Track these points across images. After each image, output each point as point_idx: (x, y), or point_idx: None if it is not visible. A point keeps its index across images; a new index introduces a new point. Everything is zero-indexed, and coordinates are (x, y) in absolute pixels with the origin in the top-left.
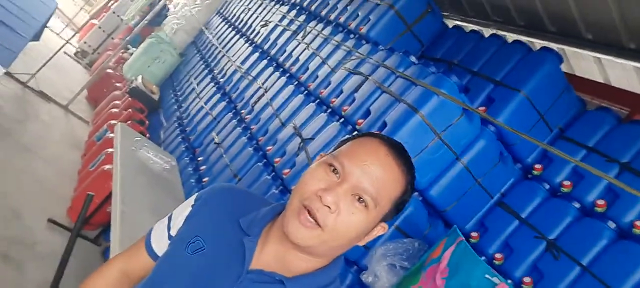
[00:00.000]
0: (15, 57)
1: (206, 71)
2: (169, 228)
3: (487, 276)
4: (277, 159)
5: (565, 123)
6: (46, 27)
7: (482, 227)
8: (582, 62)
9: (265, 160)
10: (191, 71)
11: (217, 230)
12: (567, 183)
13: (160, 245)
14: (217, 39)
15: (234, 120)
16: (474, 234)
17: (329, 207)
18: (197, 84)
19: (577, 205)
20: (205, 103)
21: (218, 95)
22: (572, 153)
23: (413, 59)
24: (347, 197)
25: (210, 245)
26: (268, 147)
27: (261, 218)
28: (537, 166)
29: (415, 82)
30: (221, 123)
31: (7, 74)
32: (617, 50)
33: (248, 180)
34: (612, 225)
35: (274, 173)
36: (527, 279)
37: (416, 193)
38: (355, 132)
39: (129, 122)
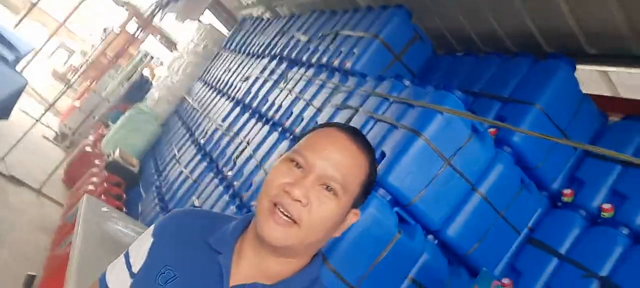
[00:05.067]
0: None
1: (187, 135)
2: (129, 266)
3: None
4: None
5: (590, 138)
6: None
7: (513, 271)
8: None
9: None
10: (172, 138)
11: (185, 255)
12: (607, 206)
13: (120, 285)
14: (198, 103)
15: (215, 180)
16: (505, 281)
17: (299, 201)
18: (178, 150)
19: (625, 231)
20: (185, 167)
21: (198, 157)
22: (605, 171)
23: (406, 82)
24: (314, 187)
25: (182, 272)
26: (253, 203)
27: (231, 232)
28: (566, 191)
29: (413, 104)
30: (201, 185)
31: None
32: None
33: None
34: None
35: None
36: None
37: (431, 237)
38: None
39: (103, 196)
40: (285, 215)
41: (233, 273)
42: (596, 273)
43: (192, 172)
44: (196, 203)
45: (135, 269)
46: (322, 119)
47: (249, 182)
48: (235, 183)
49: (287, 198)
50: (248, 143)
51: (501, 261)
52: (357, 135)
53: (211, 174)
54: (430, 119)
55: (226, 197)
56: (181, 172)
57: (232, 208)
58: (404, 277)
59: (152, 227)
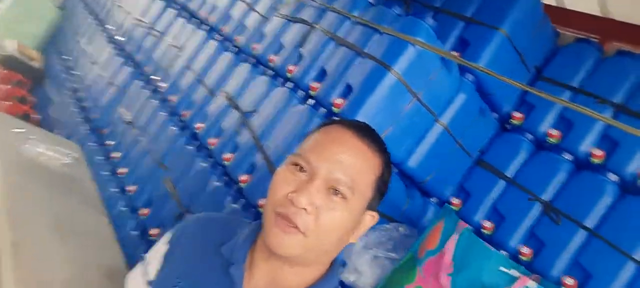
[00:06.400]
0: None
1: (99, 29)
2: (146, 273)
3: (502, 268)
4: (212, 140)
5: (541, 61)
6: None
7: (462, 191)
8: None
9: (197, 142)
10: (78, 28)
11: (198, 267)
12: (554, 132)
13: None
14: None
15: (146, 90)
16: (455, 201)
17: (304, 209)
18: (89, 45)
19: (569, 157)
20: (104, 70)
21: (120, 59)
22: (556, 96)
23: None
24: (320, 193)
25: (195, 285)
26: (197, 125)
27: (243, 241)
28: (517, 115)
29: (382, 30)
30: (129, 94)
31: None
32: None
33: (178, 169)
34: (613, 177)
35: (211, 158)
36: (525, 249)
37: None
38: (309, 99)
39: (8, 102)
40: (290, 225)
41: (245, 284)
42: (540, 197)
43: (113, 77)
44: (127, 116)
45: (151, 277)
46: (269, 30)
47: (188, 99)
48: (171, 97)
49: (291, 208)
50: (180, 49)
51: (453, 183)
52: (366, 132)
53: (140, 83)
54: (401, 52)
55: (163, 114)
56: (101, 76)
57: (173, 129)
58: None
59: (168, 233)
